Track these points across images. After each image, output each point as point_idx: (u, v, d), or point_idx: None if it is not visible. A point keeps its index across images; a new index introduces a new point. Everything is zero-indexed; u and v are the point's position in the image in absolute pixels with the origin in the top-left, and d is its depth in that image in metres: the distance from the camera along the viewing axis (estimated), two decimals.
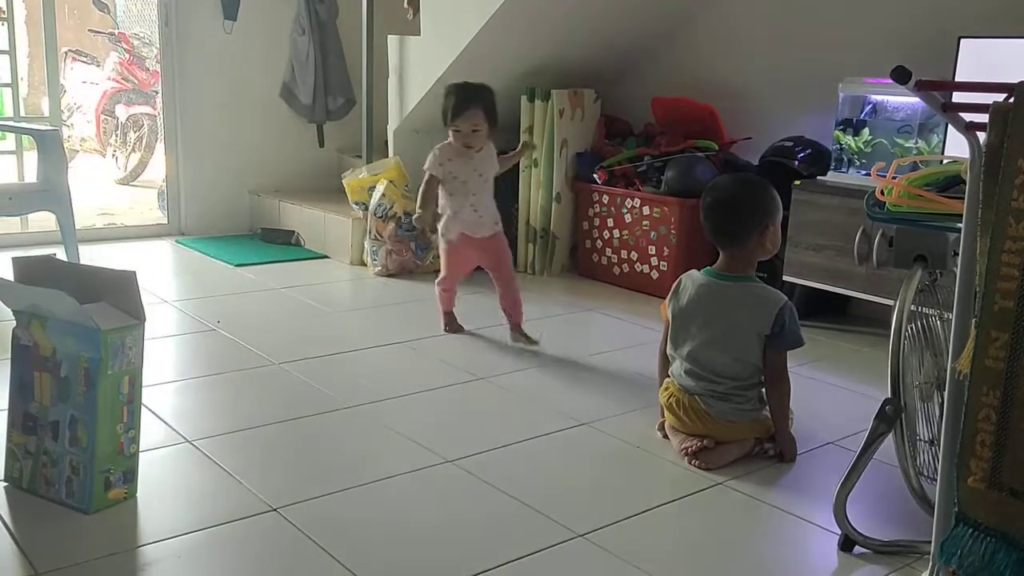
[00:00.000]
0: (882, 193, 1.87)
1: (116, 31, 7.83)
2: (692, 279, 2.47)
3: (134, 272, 2.00)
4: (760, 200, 2.39)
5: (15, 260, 2.11)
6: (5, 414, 2.12)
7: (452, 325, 3.46)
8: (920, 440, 2.00)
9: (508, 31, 4.08)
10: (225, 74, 5.02)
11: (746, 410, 2.39)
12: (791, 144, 3.82)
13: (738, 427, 2.39)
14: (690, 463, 2.35)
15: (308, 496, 2.11)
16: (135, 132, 7.34)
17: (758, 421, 2.42)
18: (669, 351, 2.50)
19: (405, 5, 4.66)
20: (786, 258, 3.59)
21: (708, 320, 2.39)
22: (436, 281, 3.48)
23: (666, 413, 2.47)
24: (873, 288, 3.38)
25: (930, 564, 1.68)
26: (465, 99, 3.20)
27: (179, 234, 5.08)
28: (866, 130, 3.56)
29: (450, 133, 3.25)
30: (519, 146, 3.82)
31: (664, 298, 2.53)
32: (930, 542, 1.68)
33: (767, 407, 2.44)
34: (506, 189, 4.51)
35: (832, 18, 3.90)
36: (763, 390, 2.44)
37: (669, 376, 2.50)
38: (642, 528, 2.05)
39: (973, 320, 1.45)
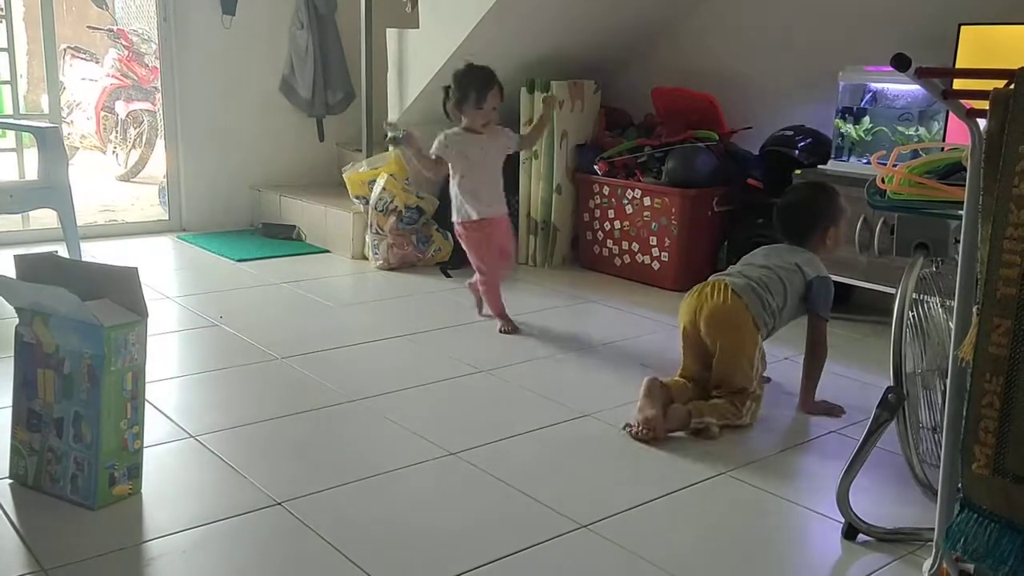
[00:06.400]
0: (883, 181, 1.87)
1: (115, 27, 7.82)
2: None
3: (136, 268, 2.00)
4: (824, 205, 2.71)
5: (17, 257, 2.11)
6: (9, 411, 2.12)
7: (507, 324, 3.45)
8: (923, 428, 2.01)
9: (507, 23, 4.07)
10: (224, 69, 5.02)
11: (764, 318, 2.54)
12: (791, 133, 3.82)
13: (742, 328, 2.51)
14: (633, 435, 2.43)
15: (312, 490, 2.12)
16: (135, 128, 7.34)
17: (724, 408, 2.50)
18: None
19: None
20: None
21: (767, 255, 2.68)
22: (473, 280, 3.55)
23: (685, 302, 2.64)
24: (875, 276, 3.38)
25: (933, 551, 1.68)
26: (487, 80, 3.30)
27: (180, 230, 5.08)
28: (867, 118, 3.56)
29: (464, 117, 3.34)
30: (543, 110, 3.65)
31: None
32: (933, 529, 1.69)
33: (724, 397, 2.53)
34: (507, 181, 4.51)
35: (832, 6, 3.89)
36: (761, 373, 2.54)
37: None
38: (645, 518, 2.05)
39: (975, 307, 1.45)
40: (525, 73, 4.36)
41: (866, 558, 1.92)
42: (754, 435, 2.52)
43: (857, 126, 3.57)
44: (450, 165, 3.37)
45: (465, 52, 4.14)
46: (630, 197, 4.15)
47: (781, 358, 2.99)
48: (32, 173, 4.00)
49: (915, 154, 2.04)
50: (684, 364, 2.65)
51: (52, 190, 3.83)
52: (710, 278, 2.66)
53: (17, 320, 2.08)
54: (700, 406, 2.49)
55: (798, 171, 3.57)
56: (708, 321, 2.55)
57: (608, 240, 4.29)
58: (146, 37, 7.68)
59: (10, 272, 2.10)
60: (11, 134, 5.08)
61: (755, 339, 2.54)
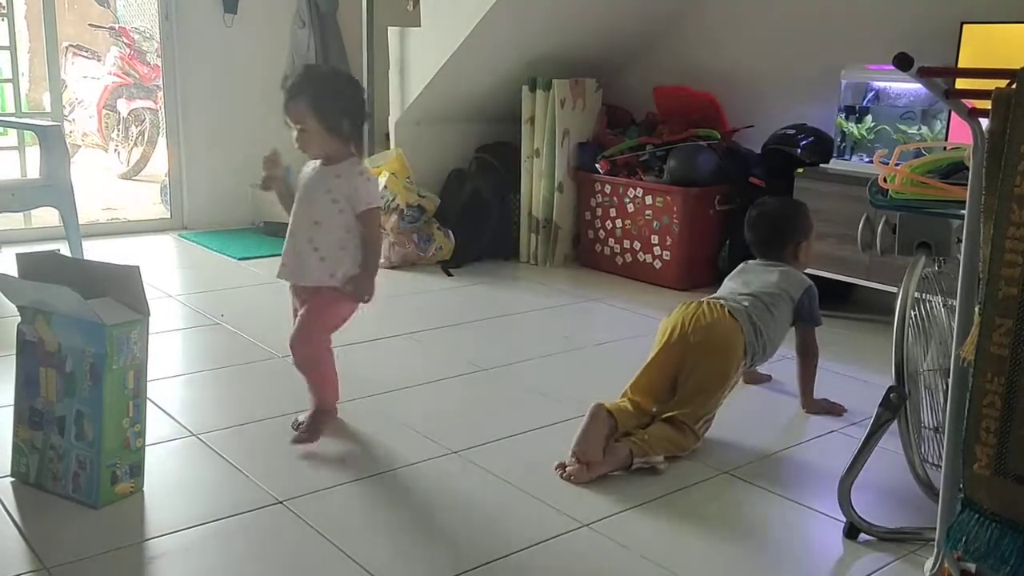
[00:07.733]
0: (885, 180, 1.87)
1: (116, 25, 7.82)
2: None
3: (137, 267, 2.01)
4: (794, 218, 2.73)
5: (19, 256, 2.12)
6: (11, 410, 2.13)
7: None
8: (924, 427, 2.01)
9: (508, 21, 4.07)
10: (226, 68, 5.02)
11: (755, 346, 2.46)
12: (793, 132, 3.82)
13: (734, 350, 2.40)
14: (564, 476, 2.21)
15: (314, 488, 2.12)
16: (137, 126, 7.34)
17: (669, 439, 2.30)
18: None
19: None
20: None
21: (747, 281, 2.62)
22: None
23: (676, 310, 2.52)
24: (876, 276, 3.38)
25: (935, 551, 1.68)
26: (292, 87, 2.49)
27: (182, 228, 5.08)
28: (869, 117, 3.56)
29: None
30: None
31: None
32: (935, 529, 1.69)
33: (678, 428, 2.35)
34: (508, 179, 4.52)
35: (834, 4, 3.89)
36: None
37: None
38: (648, 517, 2.05)
39: (977, 307, 1.45)
40: (527, 71, 4.36)
41: (867, 557, 1.92)
42: (754, 435, 2.52)
43: (859, 125, 3.56)
44: None
45: (467, 50, 4.15)
46: (632, 196, 4.14)
47: (781, 358, 2.98)
48: (34, 171, 4.00)
49: (917, 153, 2.05)
50: (638, 382, 2.41)
51: (54, 188, 3.83)
52: (703, 299, 2.51)
53: (19, 318, 2.08)
54: (646, 440, 2.24)
55: (800, 169, 3.57)
56: (705, 333, 2.38)
57: (609, 239, 4.29)
58: (148, 35, 7.68)
59: (12, 270, 2.10)
60: (13, 132, 5.08)
61: (739, 367, 2.44)
